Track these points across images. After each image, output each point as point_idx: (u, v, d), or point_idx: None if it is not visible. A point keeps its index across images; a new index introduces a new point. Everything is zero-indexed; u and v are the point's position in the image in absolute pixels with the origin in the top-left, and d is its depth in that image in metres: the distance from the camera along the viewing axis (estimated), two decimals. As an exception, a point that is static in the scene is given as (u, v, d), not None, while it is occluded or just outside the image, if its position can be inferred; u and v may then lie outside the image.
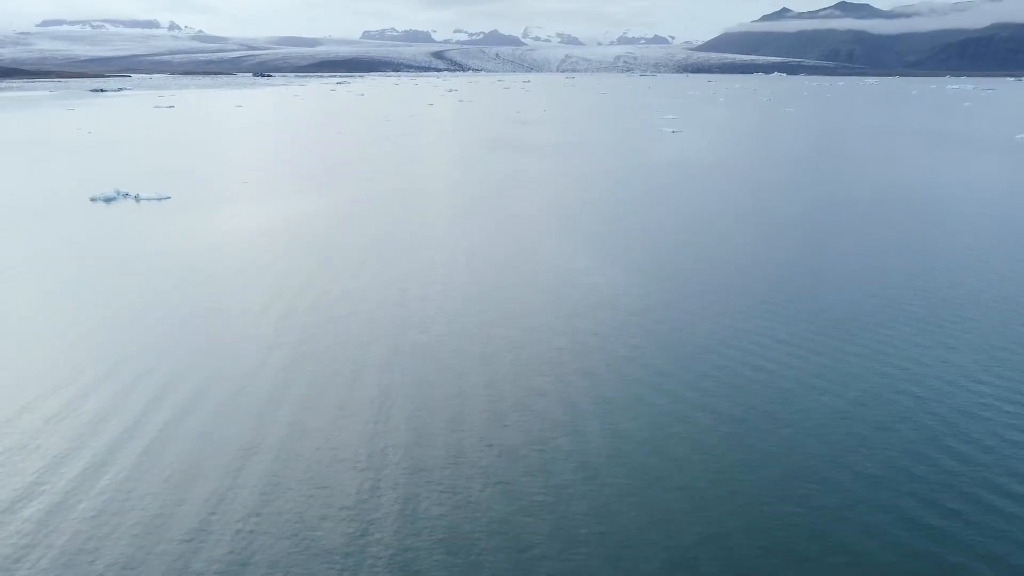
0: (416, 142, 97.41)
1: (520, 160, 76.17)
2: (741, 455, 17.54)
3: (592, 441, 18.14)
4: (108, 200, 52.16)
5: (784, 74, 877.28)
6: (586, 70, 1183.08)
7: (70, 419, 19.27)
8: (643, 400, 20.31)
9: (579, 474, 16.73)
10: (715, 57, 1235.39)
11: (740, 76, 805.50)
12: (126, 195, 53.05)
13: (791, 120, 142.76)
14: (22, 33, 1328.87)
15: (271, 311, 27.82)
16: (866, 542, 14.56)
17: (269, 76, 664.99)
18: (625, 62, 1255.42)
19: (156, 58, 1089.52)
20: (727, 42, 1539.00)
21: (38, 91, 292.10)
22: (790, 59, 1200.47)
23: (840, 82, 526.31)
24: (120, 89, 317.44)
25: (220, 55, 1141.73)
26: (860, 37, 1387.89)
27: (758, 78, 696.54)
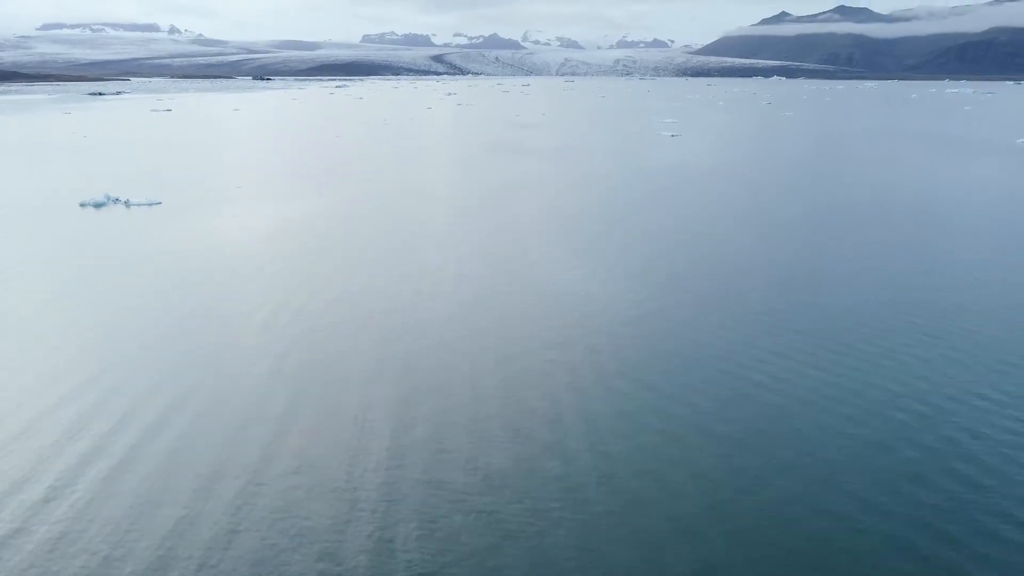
0: (412, 146, 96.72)
1: (517, 164, 75.47)
2: (733, 478, 16.76)
3: (578, 462, 17.37)
4: (98, 205, 51.43)
5: (783, 78, 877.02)
6: (585, 74, 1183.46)
7: (46, 431, 18.49)
8: (633, 419, 19.53)
9: (563, 502, 15.95)
10: (714, 61, 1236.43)
11: (739, 80, 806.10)
12: (116, 200, 52.31)
13: (791, 124, 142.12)
14: (22, 36, 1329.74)
15: (255, 319, 27.04)
16: (866, 573, 13.80)
17: (268, 80, 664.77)
18: (624, 66, 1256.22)
19: (156, 62, 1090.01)
20: (726, 46, 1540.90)
21: (36, 95, 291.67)
22: (789, 63, 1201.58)
23: (839, 86, 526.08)
24: (118, 92, 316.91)
25: (220, 59, 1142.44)
26: (859, 41, 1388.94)
27: (757, 82, 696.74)
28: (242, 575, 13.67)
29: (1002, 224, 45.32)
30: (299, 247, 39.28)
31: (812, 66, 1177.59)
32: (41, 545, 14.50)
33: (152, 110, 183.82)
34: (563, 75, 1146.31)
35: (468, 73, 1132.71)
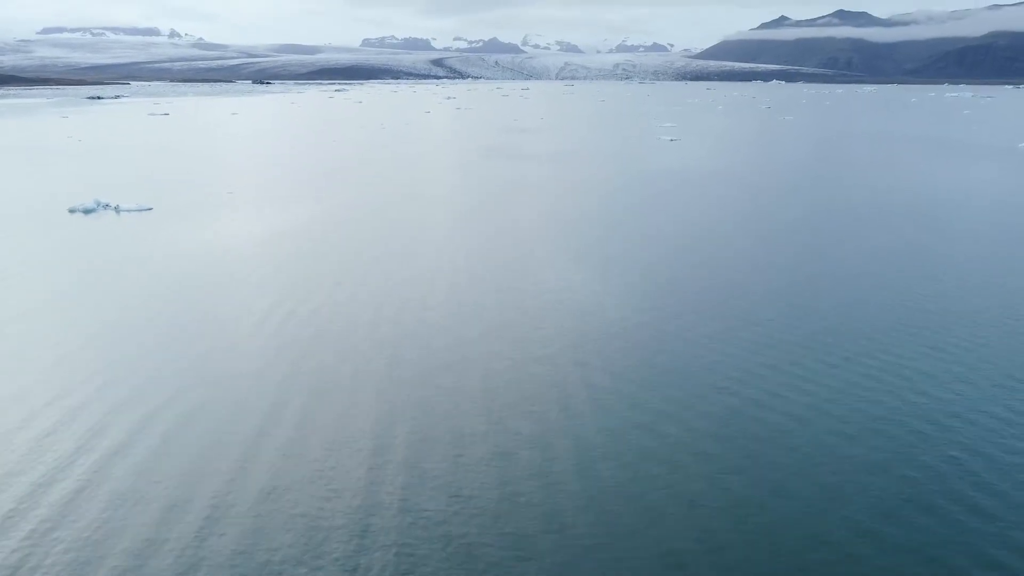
0: (409, 150, 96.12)
1: (515, 169, 74.82)
2: (725, 503, 16.01)
3: (562, 488, 16.67)
4: (87, 211, 50.71)
5: (783, 82, 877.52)
6: (585, 77, 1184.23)
7: (38, 439, 17.78)
8: (622, 438, 18.82)
9: (546, 526, 15.24)
10: (714, 65, 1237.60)
11: (739, 84, 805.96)
12: (106, 206, 51.60)
13: (791, 128, 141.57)
14: (22, 40, 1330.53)
15: (239, 327, 26.37)
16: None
17: (268, 84, 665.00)
18: (624, 70, 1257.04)
19: (156, 66, 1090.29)
20: (726, 50, 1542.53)
21: (35, 98, 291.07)
22: (789, 67, 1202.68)
23: (839, 90, 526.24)
24: (117, 96, 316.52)
25: (220, 63, 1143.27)
26: (858, 45, 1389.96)
27: (757, 86, 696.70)
28: (224, 573, 12.98)
29: (1004, 229, 44.66)
30: (288, 253, 38.59)
31: (811, 70, 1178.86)
32: (28, 541, 13.96)
33: (150, 114, 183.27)
34: (563, 79, 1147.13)
35: (468, 77, 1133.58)
